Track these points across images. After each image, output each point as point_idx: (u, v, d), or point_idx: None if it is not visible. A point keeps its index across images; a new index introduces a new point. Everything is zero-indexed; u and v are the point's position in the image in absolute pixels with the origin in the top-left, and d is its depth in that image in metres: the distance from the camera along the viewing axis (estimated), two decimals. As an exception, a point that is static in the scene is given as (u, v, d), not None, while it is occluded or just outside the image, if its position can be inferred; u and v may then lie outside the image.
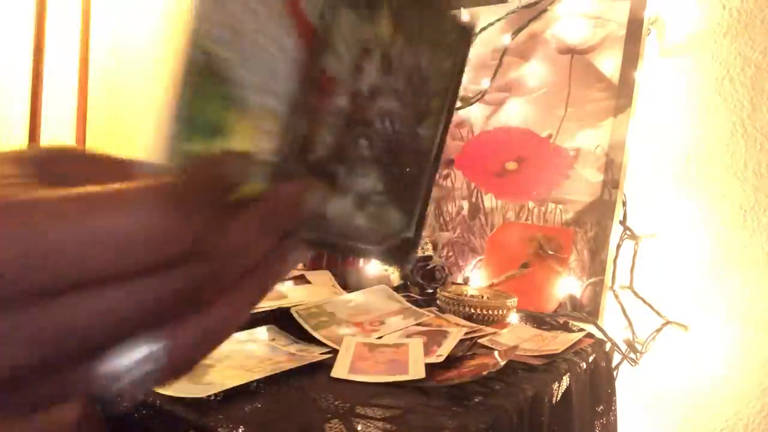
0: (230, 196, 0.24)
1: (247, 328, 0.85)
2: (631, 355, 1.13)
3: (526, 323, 1.07)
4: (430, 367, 0.76)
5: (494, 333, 0.95)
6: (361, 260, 1.20)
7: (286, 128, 0.27)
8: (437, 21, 0.32)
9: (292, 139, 0.27)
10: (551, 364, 0.86)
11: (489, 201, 1.30)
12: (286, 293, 1.06)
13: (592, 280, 1.14)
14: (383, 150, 0.31)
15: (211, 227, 0.22)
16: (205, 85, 0.27)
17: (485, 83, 1.31)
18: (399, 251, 0.32)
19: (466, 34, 0.33)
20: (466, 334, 0.90)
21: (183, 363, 0.23)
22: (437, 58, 0.32)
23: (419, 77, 0.32)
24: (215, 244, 0.22)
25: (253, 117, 0.28)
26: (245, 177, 0.25)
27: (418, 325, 0.96)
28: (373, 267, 1.22)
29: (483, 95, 1.31)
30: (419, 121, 0.32)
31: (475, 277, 1.27)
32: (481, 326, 0.98)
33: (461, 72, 0.34)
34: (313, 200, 0.27)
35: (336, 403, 0.65)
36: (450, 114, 0.33)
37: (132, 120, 2.07)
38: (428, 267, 1.24)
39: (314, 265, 1.23)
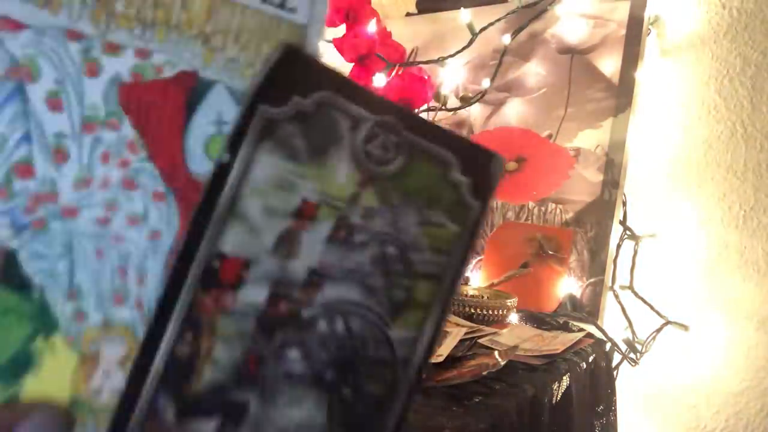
0: None
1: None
2: (631, 355, 1.13)
3: (526, 323, 1.07)
4: (430, 367, 0.76)
5: (494, 333, 0.95)
6: None
7: (144, 349, 0.19)
8: (435, 156, 0.23)
9: (159, 364, 0.19)
10: (551, 364, 0.86)
11: (489, 201, 1.30)
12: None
13: (592, 280, 1.14)
14: (327, 363, 0.21)
15: None
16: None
17: (485, 83, 1.31)
18: None
19: (490, 176, 0.24)
20: (466, 334, 0.90)
21: None
22: (433, 215, 0.24)
23: (398, 248, 0.23)
24: None
25: (83, 339, 0.21)
26: None
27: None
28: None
29: (483, 95, 1.31)
30: (392, 316, 0.22)
31: (475, 277, 1.27)
32: (481, 326, 0.98)
33: (472, 241, 0.24)
34: None
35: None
36: (445, 310, 0.24)
37: None
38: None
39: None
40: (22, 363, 0.21)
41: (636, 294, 1.14)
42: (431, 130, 0.24)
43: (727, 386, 1.10)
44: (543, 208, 1.23)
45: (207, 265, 0.19)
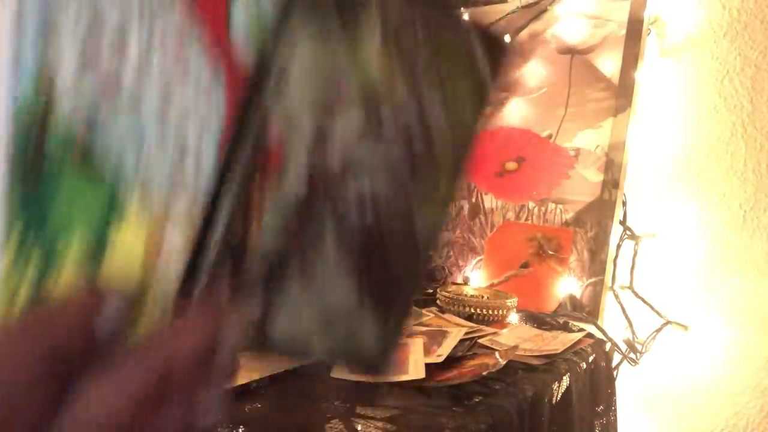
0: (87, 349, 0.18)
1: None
2: (631, 355, 1.13)
3: (526, 323, 1.07)
4: (430, 367, 0.76)
5: (494, 333, 0.95)
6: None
7: (203, 230, 0.20)
8: (457, 44, 0.23)
9: (215, 245, 0.20)
10: (551, 364, 0.86)
11: (489, 201, 1.30)
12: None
13: (592, 280, 1.14)
14: (360, 249, 0.22)
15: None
16: (68, 184, 0.21)
17: None
18: (369, 362, 0.25)
19: (499, 64, 0.23)
20: (466, 334, 0.90)
21: None
22: (456, 107, 0.23)
23: (425, 140, 0.23)
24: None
25: (149, 222, 0.22)
26: (121, 320, 0.18)
27: (418, 325, 0.96)
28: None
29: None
30: (419, 206, 0.23)
31: (475, 277, 1.27)
32: (481, 326, 0.98)
33: (482, 126, 0.24)
34: (230, 337, 0.19)
35: (336, 403, 0.65)
36: (453, 196, 0.24)
37: None
38: (428, 267, 1.24)
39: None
40: (99, 248, 0.22)
41: (636, 294, 1.14)
42: (451, 14, 0.24)
43: (727, 386, 1.10)
44: (543, 208, 1.23)
45: (253, 153, 0.20)
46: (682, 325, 1.12)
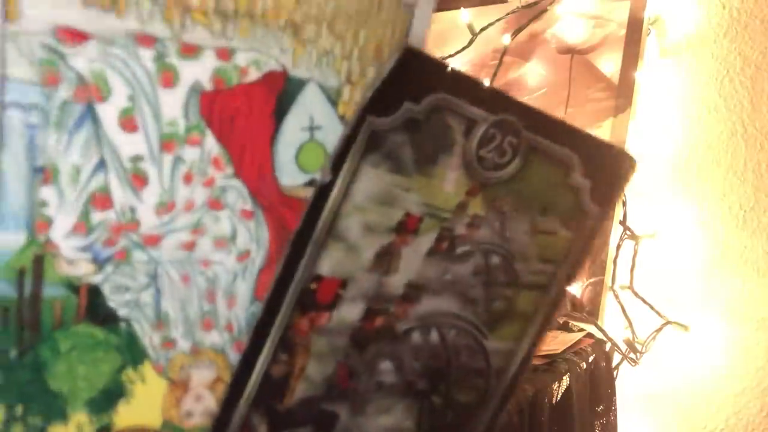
0: None
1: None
2: (631, 355, 1.13)
3: (526, 323, 1.06)
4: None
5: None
6: None
7: (239, 372, 0.18)
8: (555, 156, 0.20)
9: (253, 385, 0.19)
10: (551, 364, 0.86)
11: (489, 201, 1.30)
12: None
13: (592, 280, 1.13)
14: (419, 373, 0.20)
15: None
16: (71, 337, 0.20)
17: (485, 83, 1.31)
18: None
19: (616, 179, 0.21)
20: (465, 334, 0.90)
21: None
22: (547, 222, 0.21)
23: (503, 257, 0.21)
24: None
25: (172, 366, 0.21)
26: None
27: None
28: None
29: (483, 95, 1.31)
30: (490, 327, 0.21)
31: (475, 277, 1.27)
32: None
33: (586, 250, 0.21)
34: None
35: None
36: (547, 321, 0.22)
37: None
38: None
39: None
40: (114, 394, 0.21)
41: (636, 294, 1.14)
42: (553, 126, 0.21)
43: (727, 386, 1.10)
44: (543, 208, 1.23)
45: (304, 288, 0.19)
46: (682, 325, 1.12)
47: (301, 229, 0.19)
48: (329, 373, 0.20)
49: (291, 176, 0.23)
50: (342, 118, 0.22)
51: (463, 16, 1.28)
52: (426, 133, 0.19)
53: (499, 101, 0.21)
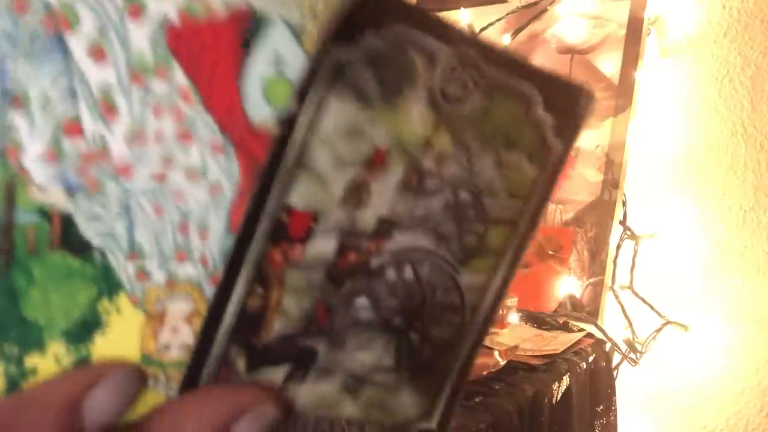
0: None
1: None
2: (631, 355, 1.13)
3: (526, 323, 1.07)
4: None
5: (494, 333, 0.95)
6: None
7: (215, 304, 0.18)
8: (516, 92, 0.21)
9: (229, 318, 0.19)
10: (551, 364, 0.86)
11: (489, 201, 1.30)
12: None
13: (592, 280, 1.13)
14: (395, 309, 0.21)
15: None
16: (46, 266, 0.21)
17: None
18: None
19: (577, 114, 0.22)
20: (466, 334, 0.90)
21: None
22: (512, 157, 0.22)
23: (471, 193, 0.21)
24: None
25: (147, 297, 0.21)
26: (116, 405, 0.16)
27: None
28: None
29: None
30: (462, 262, 0.22)
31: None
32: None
33: (552, 184, 0.22)
34: (254, 417, 0.17)
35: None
36: (518, 256, 0.22)
37: None
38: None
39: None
40: (90, 324, 0.21)
41: (636, 294, 1.14)
42: (513, 62, 0.21)
43: (727, 386, 1.10)
44: (543, 208, 1.23)
45: (275, 219, 0.19)
46: (682, 325, 1.12)
47: (270, 161, 0.19)
48: (306, 308, 0.20)
49: (259, 111, 0.23)
50: (307, 53, 0.22)
51: (463, 16, 1.28)
52: (389, 64, 0.20)
53: (460, 36, 0.21)
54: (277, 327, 0.19)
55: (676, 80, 1.15)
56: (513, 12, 1.29)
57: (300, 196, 0.19)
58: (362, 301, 0.20)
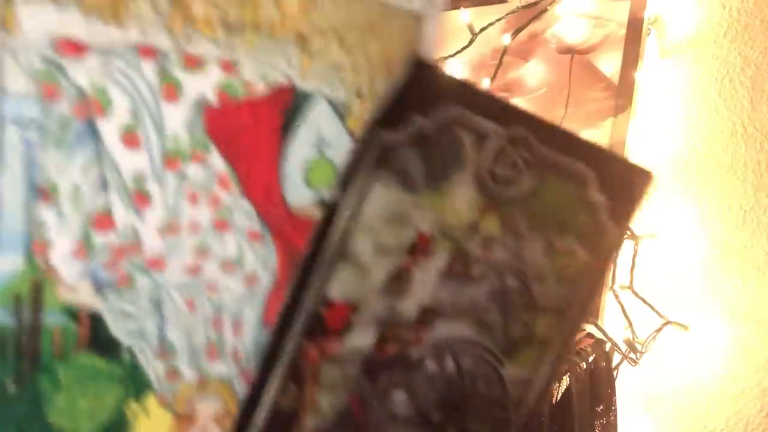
0: None
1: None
2: (631, 355, 1.13)
3: (526, 323, 1.06)
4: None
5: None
6: None
7: (247, 404, 0.17)
8: (570, 172, 0.19)
9: (261, 419, 0.17)
10: (551, 364, 0.86)
11: (489, 201, 1.30)
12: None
13: (592, 280, 1.13)
14: (434, 403, 0.19)
15: None
16: (72, 369, 0.19)
17: (485, 83, 1.31)
18: None
19: (633, 195, 0.19)
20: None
21: None
22: (563, 241, 0.20)
23: (519, 279, 0.19)
24: None
25: (177, 398, 0.19)
26: None
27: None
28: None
29: (483, 95, 1.31)
30: (508, 353, 0.20)
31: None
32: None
33: (604, 270, 0.19)
34: None
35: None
36: (566, 347, 0.20)
37: None
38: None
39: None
40: (117, 428, 0.20)
41: (636, 294, 1.14)
42: (567, 140, 0.20)
43: (727, 386, 1.10)
44: (543, 208, 1.23)
45: (313, 313, 0.17)
46: (682, 325, 1.12)
47: (311, 251, 0.18)
48: (341, 404, 0.18)
49: (300, 195, 0.22)
50: (351, 133, 0.21)
51: (463, 16, 1.28)
52: (437, 147, 0.19)
53: (511, 114, 0.20)
54: (310, 425, 0.18)
55: (676, 80, 1.15)
56: (513, 12, 1.29)
57: (340, 287, 0.17)
58: (399, 395, 0.18)
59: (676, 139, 1.15)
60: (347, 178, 0.18)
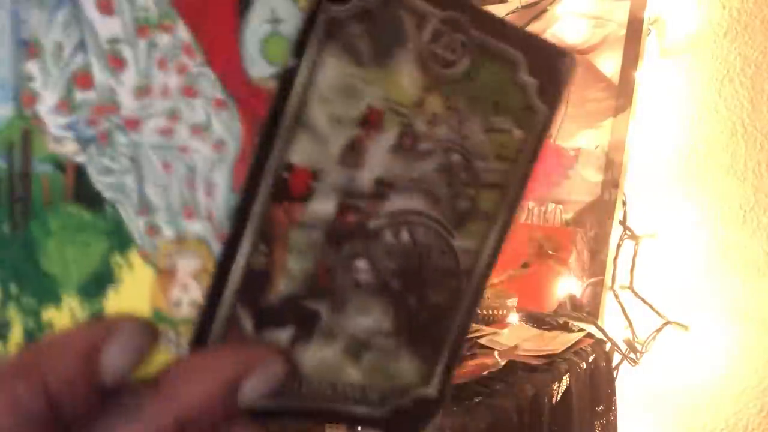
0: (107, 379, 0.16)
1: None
2: (631, 355, 1.13)
3: (526, 323, 1.06)
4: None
5: (494, 333, 0.95)
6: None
7: (222, 262, 0.19)
8: (502, 55, 0.21)
9: (236, 276, 0.19)
10: (551, 364, 0.86)
11: (489, 201, 1.30)
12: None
13: (592, 280, 1.14)
14: (393, 272, 0.21)
15: None
16: (61, 217, 0.21)
17: None
18: (412, 415, 0.23)
19: (559, 77, 0.22)
20: (466, 334, 0.90)
21: None
22: (499, 120, 0.22)
23: (462, 156, 0.22)
24: None
25: (157, 253, 0.21)
26: (129, 359, 0.16)
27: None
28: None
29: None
30: (456, 226, 0.22)
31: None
32: (481, 326, 0.98)
33: (538, 148, 0.23)
34: (262, 376, 0.18)
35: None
36: (509, 220, 0.23)
37: None
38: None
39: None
40: (103, 279, 0.21)
41: (636, 294, 1.14)
42: (499, 26, 0.22)
43: (727, 386, 1.10)
44: (543, 208, 1.23)
45: (277, 176, 0.19)
46: (682, 325, 1.12)
47: (270, 117, 0.19)
48: (309, 269, 0.20)
49: (259, 68, 0.23)
50: (302, 11, 0.22)
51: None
52: (380, 24, 0.20)
53: None
54: (281, 287, 0.20)
55: (676, 80, 1.15)
56: (513, 12, 1.29)
57: (300, 153, 0.19)
58: (361, 263, 0.21)
59: (676, 139, 1.15)
60: (299, 48, 0.19)
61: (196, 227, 0.22)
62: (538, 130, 0.23)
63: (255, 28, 0.23)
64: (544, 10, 1.26)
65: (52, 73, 0.22)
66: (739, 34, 1.09)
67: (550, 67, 0.23)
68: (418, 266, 0.22)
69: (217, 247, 0.21)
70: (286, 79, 0.19)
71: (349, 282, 0.21)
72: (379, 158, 0.20)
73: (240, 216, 0.19)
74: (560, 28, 1.25)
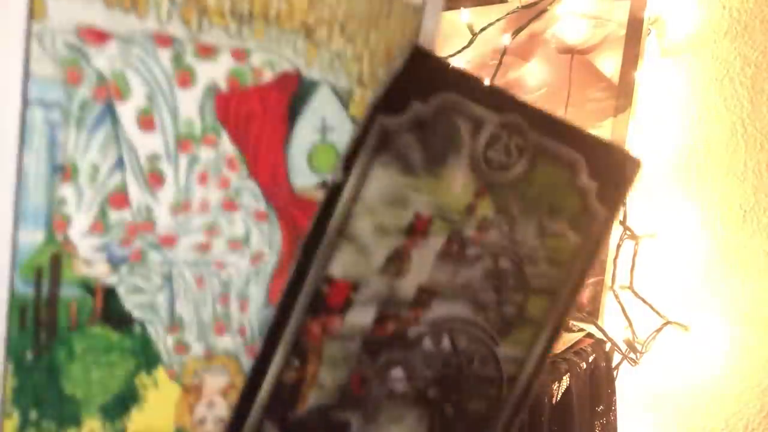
0: None
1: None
2: (631, 355, 1.13)
3: (526, 323, 1.06)
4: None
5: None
6: None
7: (252, 378, 0.18)
8: (561, 158, 0.20)
9: (265, 392, 0.18)
10: (551, 364, 0.86)
11: (489, 201, 1.30)
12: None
13: (592, 280, 1.13)
14: (431, 381, 0.20)
15: None
16: (86, 340, 0.20)
17: (490, 83, 1.31)
18: None
19: (623, 181, 0.21)
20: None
21: None
22: (552, 225, 0.21)
23: (512, 261, 0.21)
24: None
25: (185, 371, 0.21)
26: None
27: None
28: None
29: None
30: (501, 333, 0.21)
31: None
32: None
33: (595, 253, 0.22)
34: None
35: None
36: (558, 327, 0.22)
37: None
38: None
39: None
40: (127, 399, 0.21)
41: (636, 294, 1.14)
42: (559, 127, 0.21)
43: (727, 386, 1.10)
44: (543, 208, 1.23)
45: (316, 290, 0.18)
46: (682, 325, 1.12)
47: (313, 231, 0.19)
48: (341, 380, 0.19)
49: (304, 177, 0.23)
50: (353, 119, 0.22)
51: (463, 16, 1.28)
52: (434, 133, 0.20)
53: (505, 101, 0.21)
54: (312, 400, 0.19)
55: (676, 80, 1.15)
56: (513, 12, 1.29)
57: (341, 266, 0.18)
58: (397, 372, 0.20)
59: (676, 139, 1.15)
60: (349, 161, 0.19)
61: (226, 343, 0.21)
62: (595, 234, 0.22)
63: (303, 137, 0.22)
64: (544, 10, 1.26)
65: (86, 195, 0.21)
66: (739, 34, 1.09)
67: (613, 170, 0.22)
68: (458, 374, 0.21)
69: (246, 362, 0.21)
70: (333, 193, 0.19)
71: (383, 391, 0.20)
72: (423, 265, 0.20)
73: (274, 331, 0.19)
74: (560, 28, 1.25)
